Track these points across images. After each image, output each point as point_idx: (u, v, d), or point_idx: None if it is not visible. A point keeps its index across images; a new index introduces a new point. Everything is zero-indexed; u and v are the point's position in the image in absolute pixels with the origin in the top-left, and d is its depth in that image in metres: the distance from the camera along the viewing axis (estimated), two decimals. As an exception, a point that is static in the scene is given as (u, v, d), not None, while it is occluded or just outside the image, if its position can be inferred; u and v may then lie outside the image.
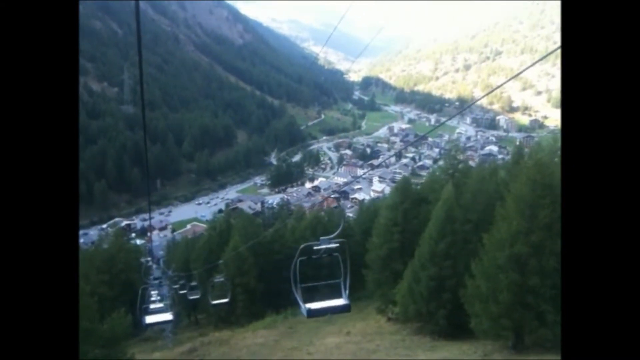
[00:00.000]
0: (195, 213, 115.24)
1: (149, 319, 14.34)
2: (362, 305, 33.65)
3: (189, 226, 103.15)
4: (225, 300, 21.38)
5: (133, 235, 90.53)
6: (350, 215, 51.96)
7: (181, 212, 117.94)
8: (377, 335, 25.21)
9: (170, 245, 59.45)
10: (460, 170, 27.61)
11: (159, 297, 17.56)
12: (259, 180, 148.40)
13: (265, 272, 34.75)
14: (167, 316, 14.81)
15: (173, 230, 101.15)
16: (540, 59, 5.80)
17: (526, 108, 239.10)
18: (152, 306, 15.94)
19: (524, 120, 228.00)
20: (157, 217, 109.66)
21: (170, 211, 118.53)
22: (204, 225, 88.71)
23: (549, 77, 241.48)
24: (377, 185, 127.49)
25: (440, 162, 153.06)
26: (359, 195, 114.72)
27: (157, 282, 17.36)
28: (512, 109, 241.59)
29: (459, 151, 29.83)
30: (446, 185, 23.29)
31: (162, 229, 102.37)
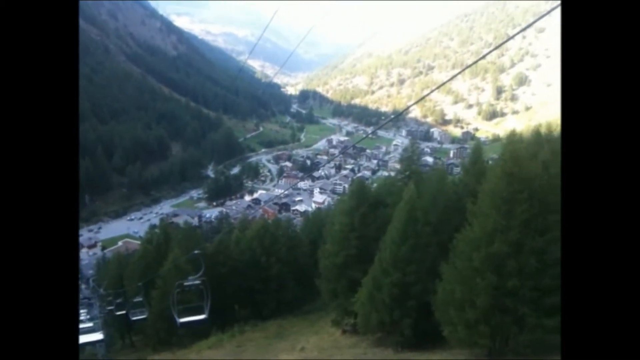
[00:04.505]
0: (127, 229, 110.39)
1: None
2: (314, 318, 31.81)
3: (120, 243, 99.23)
4: (202, 317, 15.22)
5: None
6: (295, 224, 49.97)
7: (112, 228, 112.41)
8: (335, 350, 23.37)
9: (101, 263, 55.07)
10: (415, 172, 26.48)
11: (88, 317, 15.66)
12: (195, 193, 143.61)
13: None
14: (98, 335, 14.14)
15: (103, 248, 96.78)
16: (464, 68, 6.50)
17: (458, 121, 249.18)
18: (81, 326, 14.27)
19: (457, 132, 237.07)
20: (86, 234, 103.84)
21: (99, 228, 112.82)
22: (137, 242, 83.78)
23: (479, 91, 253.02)
24: (319, 197, 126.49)
25: (380, 173, 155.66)
26: (301, 207, 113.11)
27: (86, 301, 16.19)
28: (445, 122, 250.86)
29: (416, 153, 28.78)
30: (407, 186, 21.96)
31: (91, 246, 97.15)
